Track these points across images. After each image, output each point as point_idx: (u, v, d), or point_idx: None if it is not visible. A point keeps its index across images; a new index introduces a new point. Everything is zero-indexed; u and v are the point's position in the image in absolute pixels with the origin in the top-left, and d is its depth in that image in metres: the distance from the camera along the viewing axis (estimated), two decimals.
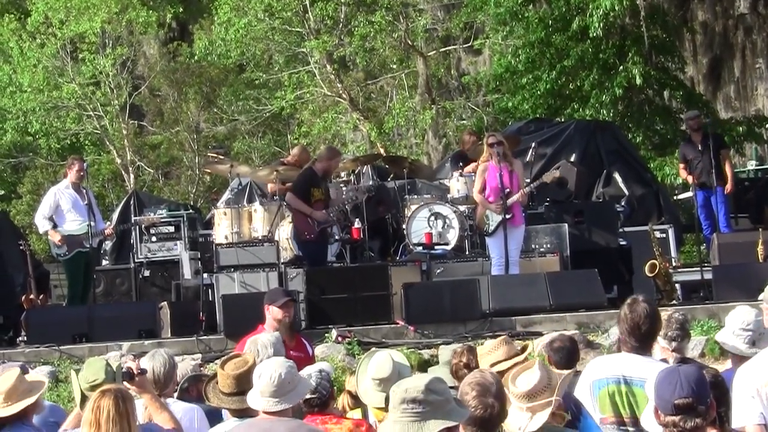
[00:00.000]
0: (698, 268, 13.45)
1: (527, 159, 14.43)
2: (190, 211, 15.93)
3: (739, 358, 6.08)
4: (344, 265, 13.74)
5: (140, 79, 30.64)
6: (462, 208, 14.01)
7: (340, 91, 28.04)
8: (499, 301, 12.04)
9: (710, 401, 4.35)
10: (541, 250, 13.49)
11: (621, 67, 21.47)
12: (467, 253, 13.76)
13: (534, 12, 22.53)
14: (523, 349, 6.54)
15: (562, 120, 20.06)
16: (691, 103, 22.08)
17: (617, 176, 16.46)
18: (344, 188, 14.58)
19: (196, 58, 28.95)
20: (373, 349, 7.51)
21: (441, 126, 27.62)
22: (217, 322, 12.23)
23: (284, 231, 13.71)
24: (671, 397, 4.30)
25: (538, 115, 21.27)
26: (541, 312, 11.95)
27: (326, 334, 11.65)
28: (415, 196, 14.65)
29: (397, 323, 11.98)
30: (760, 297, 5.97)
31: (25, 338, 12.64)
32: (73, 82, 27.99)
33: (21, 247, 14.71)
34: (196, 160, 28.86)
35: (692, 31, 23.41)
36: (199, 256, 14.55)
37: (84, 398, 5.69)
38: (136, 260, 15.07)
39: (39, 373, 9.78)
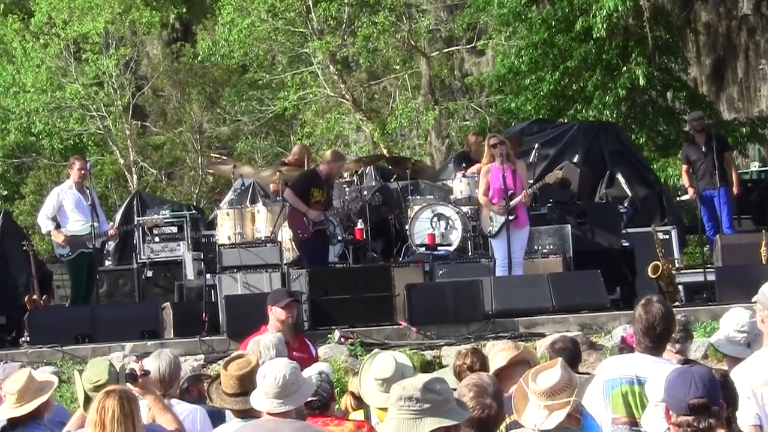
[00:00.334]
0: (701, 270, 13.47)
1: (530, 160, 14.42)
2: (193, 211, 15.96)
3: (735, 360, 6.07)
4: (347, 265, 13.75)
5: (143, 80, 30.59)
6: (465, 209, 14.00)
7: (343, 92, 28.00)
8: (501, 303, 12.04)
9: (722, 402, 4.35)
10: (544, 251, 13.48)
11: (624, 68, 21.45)
12: (470, 254, 13.76)
13: (537, 13, 22.51)
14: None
15: (565, 121, 20.06)
16: (694, 104, 22.06)
17: (620, 177, 16.43)
18: (347, 189, 14.58)
19: (199, 58, 28.88)
20: (376, 350, 7.51)
21: (444, 127, 27.60)
22: (220, 323, 12.24)
23: (287, 232, 13.71)
24: (685, 396, 4.28)
25: (541, 116, 21.25)
26: (543, 313, 11.96)
27: (329, 335, 11.66)
28: (418, 197, 14.65)
29: (400, 324, 11.98)
30: (754, 298, 5.97)
31: (28, 339, 12.64)
32: (77, 82, 27.93)
33: (24, 248, 14.68)
34: (199, 161, 28.80)
35: (695, 32, 23.37)
36: (202, 256, 14.57)
37: (87, 399, 5.69)
38: (139, 261, 15.06)
39: (44, 373, 9.77)
